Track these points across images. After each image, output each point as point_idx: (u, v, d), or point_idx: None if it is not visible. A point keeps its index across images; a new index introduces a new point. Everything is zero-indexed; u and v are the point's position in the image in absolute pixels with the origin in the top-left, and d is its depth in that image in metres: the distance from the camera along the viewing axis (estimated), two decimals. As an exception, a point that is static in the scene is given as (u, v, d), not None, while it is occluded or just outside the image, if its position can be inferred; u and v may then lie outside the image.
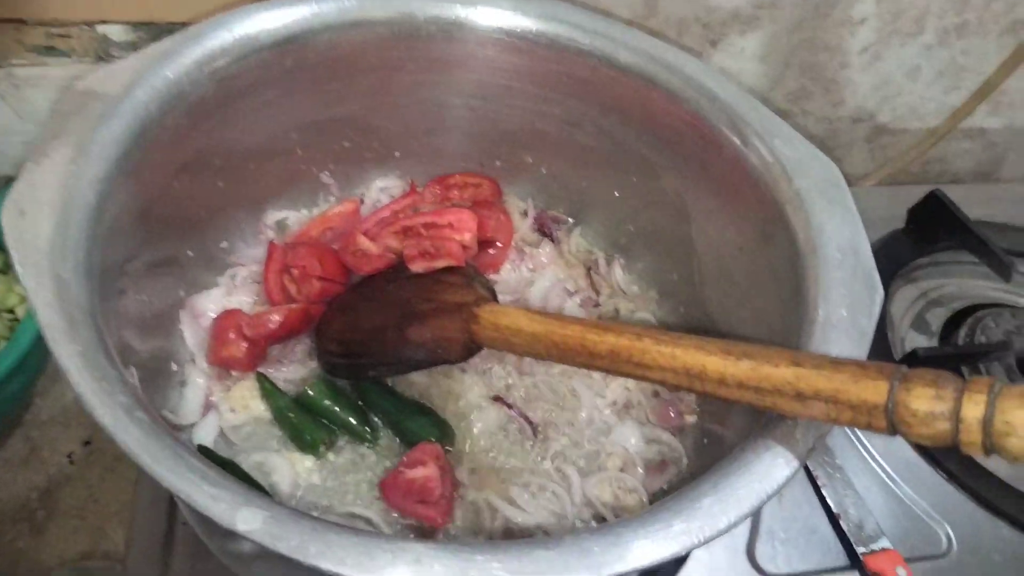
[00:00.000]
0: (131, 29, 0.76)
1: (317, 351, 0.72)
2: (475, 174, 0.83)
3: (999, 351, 0.83)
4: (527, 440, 0.70)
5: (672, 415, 0.73)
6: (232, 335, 0.69)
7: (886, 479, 0.78)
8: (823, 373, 0.43)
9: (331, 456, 0.68)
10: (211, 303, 0.72)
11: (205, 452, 0.65)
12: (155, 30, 0.76)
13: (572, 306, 0.80)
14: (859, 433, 0.80)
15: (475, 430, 0.70)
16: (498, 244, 0.81)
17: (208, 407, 0.69)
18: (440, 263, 0.70)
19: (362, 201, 0.82)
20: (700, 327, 0.73)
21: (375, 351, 0.68)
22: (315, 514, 0.44)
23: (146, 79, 0.57)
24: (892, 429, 0.40)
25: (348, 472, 0.67)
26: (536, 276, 0.82)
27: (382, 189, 0.83)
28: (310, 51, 0.66)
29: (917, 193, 0.97)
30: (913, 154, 1.07)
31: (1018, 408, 0.37)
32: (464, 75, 0.73)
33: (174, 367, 0.69)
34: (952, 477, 0.78)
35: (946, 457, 0.79)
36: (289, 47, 0.64)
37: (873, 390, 0.41)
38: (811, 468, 0.76)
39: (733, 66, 0.95)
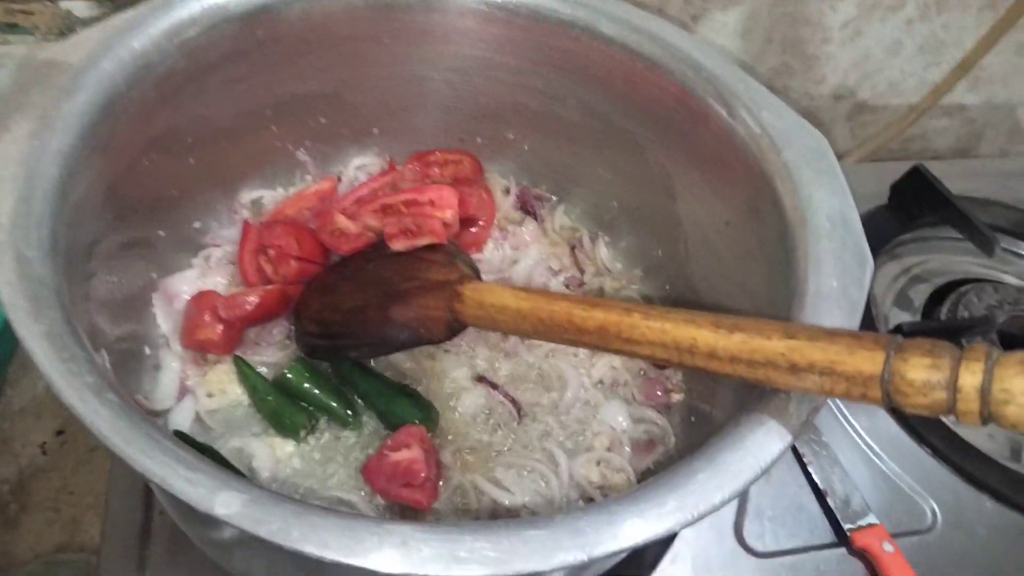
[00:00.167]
0: (96, 5, 0.74)
1: (296, 333, 0.70)
2: (455, 151, 0.81)
3: (982, 326, 0.83)
4: (513, 421, 0.69)
5: (659, 394, 0.72)
6: (207, 317, 0.67)
7: (871, 455, 0.78)
8: (818, 344, 0.42)
9: (312, 440, 0.66)
10: (185, 285, 0.70)
11: (181, 437, 0.63)
12: (121, 5, 0.73)
13: (556, 285, 0.79)
14: (845, 410, 0.80)
15: (460, 411, 0.69)
16: (480, 222, 0.79)
17: (184, 392, 0.67)
18: (422, 241, 0.68)
19: (339, 179, 0.80)
20: (687, 303, 0.72)
21: (356, 332, 0.67)
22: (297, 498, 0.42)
23: (112, 50, 0.55)
24: (888, 400, 0.40)
25: (330, 456, 0.66)
26: (519, 255, 0.80)
27: (360, 167, 0.81)
28: (282, 22, 0.64)
29: (898, 170, 0.97)
30: (893, 131, 1.07)
31: (1016, 376, 0.36)
32: (443, 48, 0.71)
33: (147, 351, 0.67)
34: (936, 452, 0.78)
35: (930, 432, 0.79)
36: (261, 17, 0.62)
37: (869, 360, 0.40)
38: (797, 446, 0.76)
39: (715, 42, 0.94)
